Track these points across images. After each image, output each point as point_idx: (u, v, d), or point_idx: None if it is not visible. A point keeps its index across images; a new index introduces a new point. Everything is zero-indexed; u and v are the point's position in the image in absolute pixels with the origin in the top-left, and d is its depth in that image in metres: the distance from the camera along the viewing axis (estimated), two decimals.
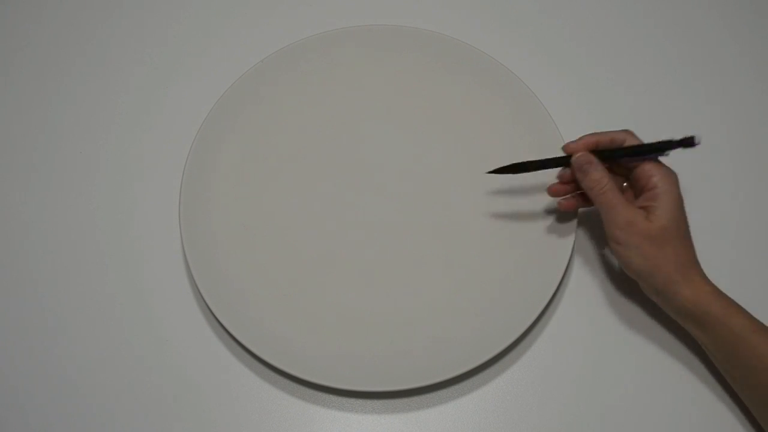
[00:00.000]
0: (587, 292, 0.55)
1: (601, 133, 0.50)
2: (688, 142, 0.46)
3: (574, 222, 0.54)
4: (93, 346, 0.54)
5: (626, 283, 0.56)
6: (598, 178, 0.48)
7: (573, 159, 0.50)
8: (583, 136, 0.50)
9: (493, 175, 0.53)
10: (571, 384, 0.52)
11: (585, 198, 0.52)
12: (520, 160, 0.52)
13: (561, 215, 0.55)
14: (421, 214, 0.57)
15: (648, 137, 0.61)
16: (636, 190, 0.50)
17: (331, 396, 0.52)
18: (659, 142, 0.48)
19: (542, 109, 0.59)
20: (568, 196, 0.53)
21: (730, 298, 0.47)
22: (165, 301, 0.55)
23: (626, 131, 0.51)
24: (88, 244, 0.57)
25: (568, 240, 0.54)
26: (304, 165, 0.59)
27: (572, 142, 0.50)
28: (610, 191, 0.48)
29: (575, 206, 0.53)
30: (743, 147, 0.61)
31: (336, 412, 0.51)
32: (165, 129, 0.62)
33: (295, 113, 0.61)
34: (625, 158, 0.50)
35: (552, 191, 0.53)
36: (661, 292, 0.48)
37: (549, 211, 0.56)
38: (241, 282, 0.54)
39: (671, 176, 0.48)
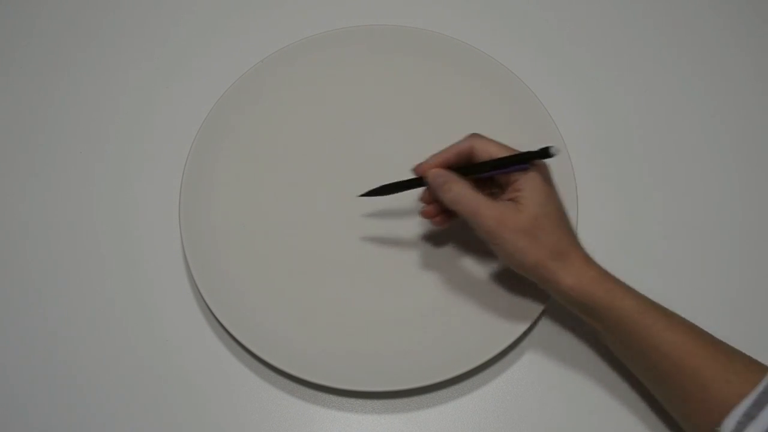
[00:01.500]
0: None
1: (447, 148, 0.49)
2: (545, 153, 0.44)
3: (575, 223, 0.54)
4: (93, 346, 0.54)
5: (626, 282, 0.56)
6: (455, 192, 0.47)
7: (428, 179, 0.49)
8: (430, 157, 0.49)
9: None
10: (571, 384, 0.52)
11: (452, 212, 0.50)
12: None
13: None
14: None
15: (649, 137, 0.62)
16: (501, 189, 0.49)
17: (331, 396, 0.52)
18: (518, 155, 0.46)
19: (542, 109, 0.59)
20: (437, 215, 0.51)
21: (615, 281, 0.46)
22: (165, 301, 0.55)
23: (472, 136, 0.49)
24: (88, 244, 0.57)
25: None
26: (304, 165, 0.59)
27: (421, 163, 0.49)
28: (471, 200, 0.46)
29: (446, 222, 0.51)
30: (743, 146, 0.61)
31: (336, 412, 0.51)
32: (165, 129, 0.62)
33: (295, 113, 0.61)
34: (489, 173, 0.48)
35: (424, 214, 0.51)
36: (545, 283, 0.46)
37: None
38: (241, 282, 0.54)
39: (532, 168, 0.46)
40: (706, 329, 0.54)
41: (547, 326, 0.54)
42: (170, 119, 0.63)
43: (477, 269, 0.55)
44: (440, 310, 0.53)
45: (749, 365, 0.43)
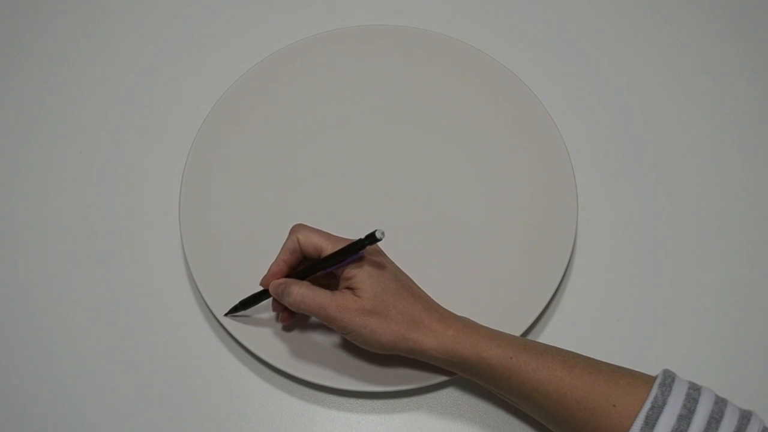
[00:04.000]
0: (587, 292, 0.55)
1: (279, 256, 0.48)
2: (372, 239, 0.44)
3: (575, 223, 0.54)
4: (93, 346, 0.54)
5: (625, 283, 0.56)
6: (295, 294, 0.46)
7: (270, 291, 0.49)
8: (270, 267, 0.49)
9: (490, 177, 0.53)
10: None
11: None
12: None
13: (562, 216, 0.55)
14: (421, 214, 0.57)
15: (649, 137, 0.62)
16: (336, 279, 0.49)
17: (331, 396, 0.52)
18: (351, 245, 0.45)
19: (542, 109, 0.59)
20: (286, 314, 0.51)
21: (478, 332, 0.46)
22: (165, 301, 0.55)
23: (293, 228, 0.48)
24: (88, 244, 0.57)
25: (568, 240, 0.54)
26: (303, 165, 0.59)
27: (264, 276, 0.49)
28: (312, 298, 0.46)
29: (290, 319, 0.51)
30: (745, 146, 0.61)
31: (336, 412, 0.51)
32: (165, 129, 0.62)
33: (295, 113, 0.61)
34: (325, 270, 0.47)
35: (281, 320, 0.52)
36: (412, 353, 0.46)
37: (549, 213, 0.56)
38: (241, 282, 0.54)
39: (360, 257, 0.46)
40: (706, 329, 0.54)
41: (547, 327, 0.54)
42: (170, 119, 0.63)
43: (477, 270, 0.55)
44: None
45: (633, 382, 0.42)
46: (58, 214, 0.59)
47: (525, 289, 0.53)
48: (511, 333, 0.51)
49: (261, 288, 0.50)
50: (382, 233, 0.43)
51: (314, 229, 0.48)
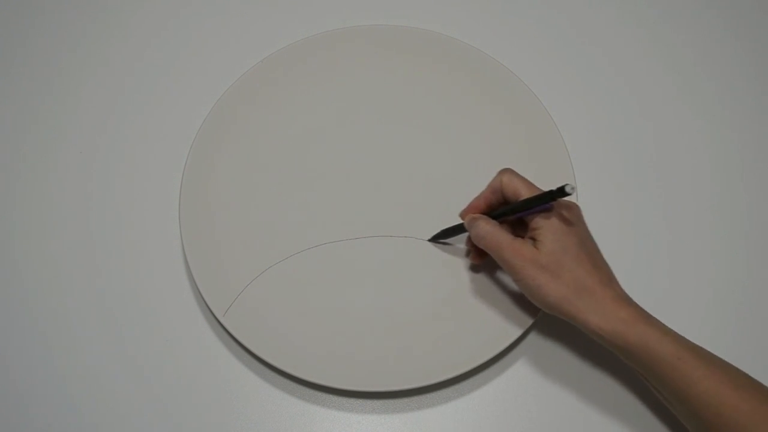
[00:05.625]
0: None
1: (483, 192, 0.51)
2: (561, 192, 0.43)
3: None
4: (93, 346, 0.54)
5: (625, 282, 0.56)
6: (479, 228, 0.49)
7: (464, 221, 0.51)
8: (471, 201, 0.52)
9: (490, 177, 0.53)
10: (572, 384, 0.52)
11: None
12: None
13: None
14: (422, 214, 0.57)
15: (649, 137, 0.62)
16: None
17: (331, 396, 0.52)
18: (540, 195, 0.46)
19: (542, 109, 0.59)
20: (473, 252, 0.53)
21: (649, 322, 0.44)
22: (165, 301, 0.55)
23: (502, 171, 0.50)
24: (87, 244, 0.57)
25: None
26: (303, 165, 0.59)
27: (464, 209, 0.52)
28: (493, 236, 0.48)
29: (477, 258, 0.53)
30: (745, 147, 0.61)
31: (336, 412, 0.51)
32: (165, 129, 0.62)
33: (295, 113, 0.61)
34: (514, 215, 0.49)
35: (471, 258, 0.54)
36: (574, 320, 0.46)
37: None
38: (240, 282, 0.54)
39: (550, 208, 0.47)
40: (706, 329, 0.54)
41: (546, 327, 0.54)
42: (170, 119, 0.63)
43: (476, 270, 0.55)
44: (440, 311, 0.53)
45: None
46: (58, 214, 0.59)
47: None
48: (510, 334, 0.51)
49: (461, 221, 0.52)
50: (572, 188, 0.43)
51: (519, 175, 0.49)
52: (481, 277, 0.54)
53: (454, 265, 0.55)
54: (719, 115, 0.63)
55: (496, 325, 0.52)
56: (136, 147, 0.62)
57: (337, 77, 0.63)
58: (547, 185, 0.56)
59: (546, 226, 0.46)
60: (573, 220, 0.47)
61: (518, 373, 0.52)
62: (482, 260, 0.53)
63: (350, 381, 0.50)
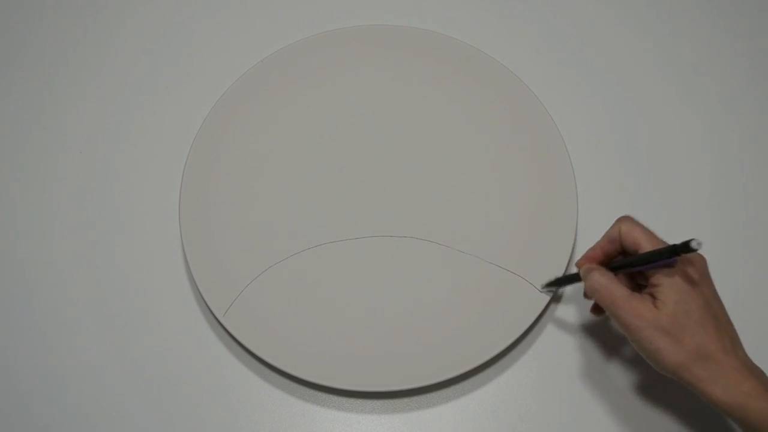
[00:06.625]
0: None
1: (600, 241, 0.48)
2: (686, 247, 0.41)
3: (575, 223, 0.54)
4: (93, 346, 0.54)
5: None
6: (594, 281, 0.45)
7: (580, 272, 0.48)
8: (587, 251, 0.49)
9: (490, 177, 0.53)
10: (572, 384, 0.52)
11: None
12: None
13: (562, 216, 0.55)
14: (422, 215, 0.57)
15: (649, 137, 0.62)
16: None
17: (331, 396, 0.52)
18: (662, 250, 0.43)
19: (542, 109, 0.59)
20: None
21: None
22: (165, 301, 0.55)
23: (620, 219, 0.47)
24: (87, 244, 0.57)
25: (568, 240, 0.54)
26: (303, 165, 0.59)
27: (580, 258, 0.49)
28: (608, 290, 0.44)
29: (597, 311, 0.51)
30: (746, 147, 0.61)
31: (336, 412, 0.51)
32: (165, 129, 0.62)
33: (295, 113, 0.61)
34: (635, 269, 0.46)
35: (590, 310, 0.51)
36: (692, 388, 0.42)
37: (549, 213, 0.56)
38: (240, 282, 0.54)
39: (672, 263, 0.44)
40: None
41: (546, 327, 0.54)
42: (170, 119, 0.63)
43: (477, 270, 0.55)
44: (440, 311, 0.53)
45: None
46: (58, 214, 0.59)
47: (525, 289, 0.53)
48: (510, 334, 0.51)
49: (576, 270, 0.49)
50: (699, 243, 0.40)
51: (639, 224, 0.46)
52: (481, 278, 0.54)
53: (453, 265, 0.55)
54: (719, 115, 0.63)
55: (495, 325, 0.52)
56: (136, 147, 0.62)
57: (337, 77, 0.63)
58: (547, 185, 0.57)
59: (668, 284, 0.43)
60: (698, 277, 0.44)
61: (518, 373, 0.52)
62: (602, 315, 0.50)
63: (350, 381, 0.50)
